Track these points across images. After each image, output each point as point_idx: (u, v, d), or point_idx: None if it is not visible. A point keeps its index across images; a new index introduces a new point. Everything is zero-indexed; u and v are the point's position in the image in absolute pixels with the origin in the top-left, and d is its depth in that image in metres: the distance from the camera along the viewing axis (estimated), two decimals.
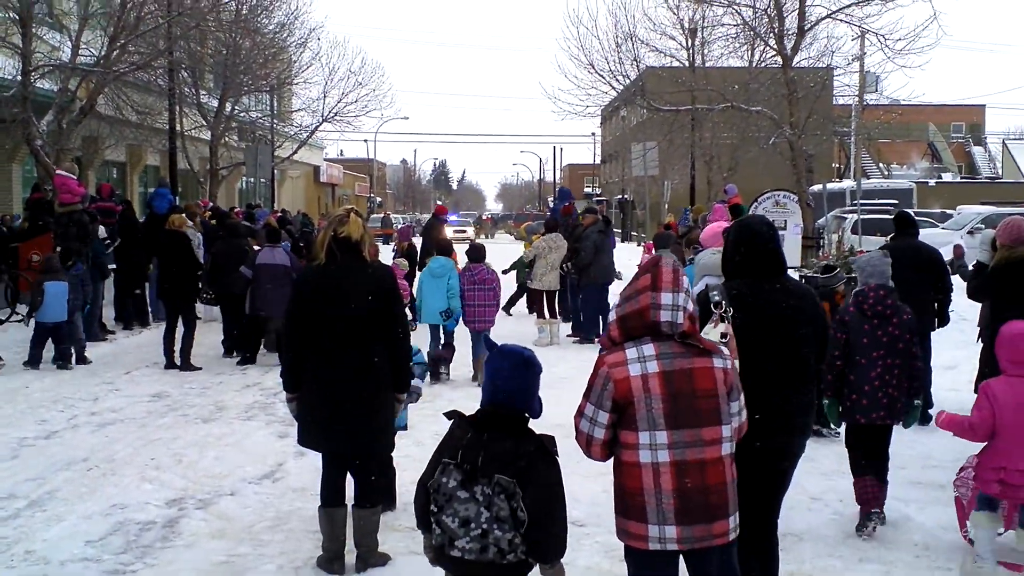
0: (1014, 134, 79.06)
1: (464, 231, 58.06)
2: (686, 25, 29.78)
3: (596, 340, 14.11)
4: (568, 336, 16.06)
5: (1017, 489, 5.93)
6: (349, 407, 5.84)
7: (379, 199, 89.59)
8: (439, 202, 26.57)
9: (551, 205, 31.65)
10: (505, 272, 16.15)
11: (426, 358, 7.18)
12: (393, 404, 6.14)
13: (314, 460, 6.50)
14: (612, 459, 4.28)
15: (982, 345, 9.15)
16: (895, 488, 7.18)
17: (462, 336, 12.74)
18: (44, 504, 7.38)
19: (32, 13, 18.14)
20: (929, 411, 8.98)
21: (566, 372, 11.80)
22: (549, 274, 15.88)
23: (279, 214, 24.79)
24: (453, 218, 58.12)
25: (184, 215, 14.78)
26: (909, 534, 6.80)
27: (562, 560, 4.16)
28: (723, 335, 4.63)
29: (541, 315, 16.04)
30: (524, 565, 4.10)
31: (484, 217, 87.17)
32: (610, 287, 16.18)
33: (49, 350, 13.01)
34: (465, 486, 4.02)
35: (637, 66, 27.53)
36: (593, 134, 74.89)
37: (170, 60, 22.62)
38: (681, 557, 4.24)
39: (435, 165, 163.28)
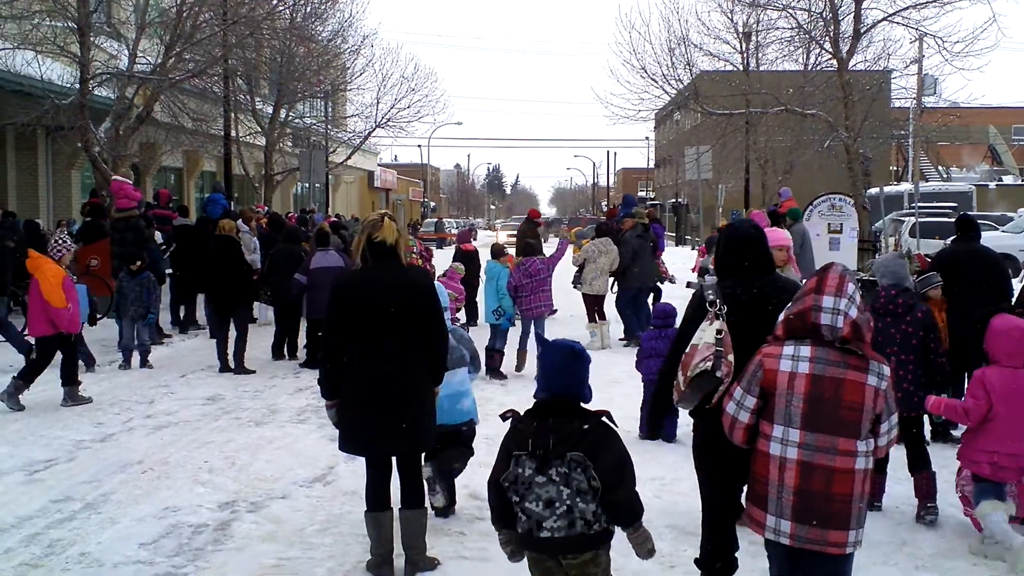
0: None
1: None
2: (740, 29, 29.60)
3: (634, 340, 14.14)
4: (620, 340, 15.97)
5: (1007, 471, 6.39)
6: (390, 409, 5.83)
7: (433, 204, 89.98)
8: (532, 208, 27.11)
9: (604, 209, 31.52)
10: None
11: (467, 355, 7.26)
12: (433, 403, 6.13)
13: (364, 464, 6.50)
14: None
15: None
16: (953, 495, 7.07)
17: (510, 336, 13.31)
18: (99, 506, 7.46)
19: (90, 22, 18.44)
20: None
21: (617, 375, 11.73)
22: (599, 279, 15.79)
23: (333, 219, 24.97)
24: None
25: (238, 220, 14.91)
26: (967, 540, 6.65)
27: (639, 526, 4.39)
28: (719, 332, 4.83)
29: (592, 319, 15.97)
30: (607, 534, 4.35)
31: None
32: (651, 291, 16.46)
33: (105, 353, 13.15)
34: (541, 471, 4.26)
35: (690, 70, 27.40)
36: (647, 138, 74.71)
37: (225, 67, 22.90)
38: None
39: (489, 170, 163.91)
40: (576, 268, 16.39)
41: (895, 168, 48.66)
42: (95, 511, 7.35)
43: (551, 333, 13.02)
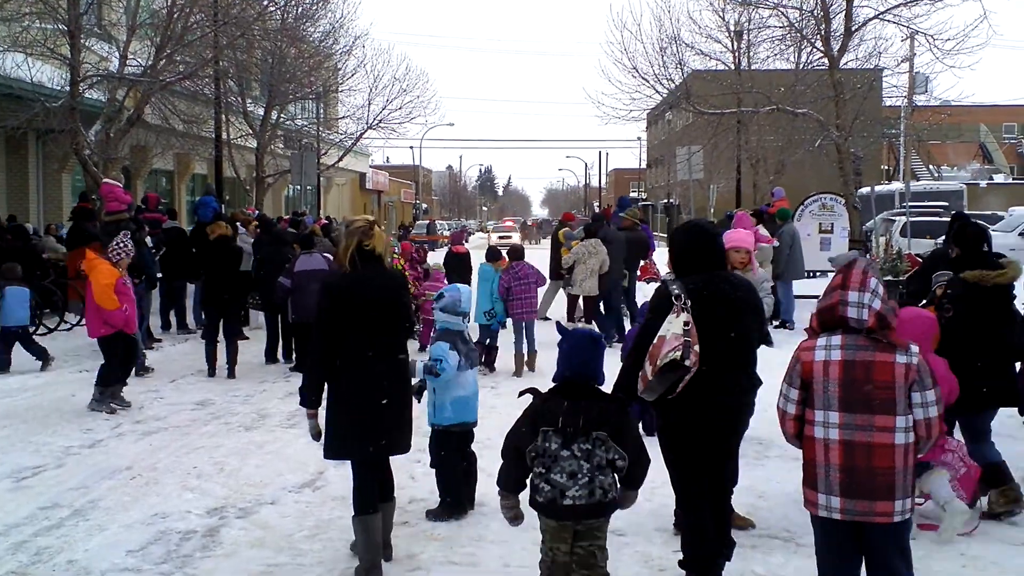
0: None
1: (509, 236, 59.65)
2: (731, 28, 29.61)
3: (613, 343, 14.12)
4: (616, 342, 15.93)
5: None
6: (390, 408, 5.96)
7: (425, 206, 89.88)
8: (568, 212, 27.37)
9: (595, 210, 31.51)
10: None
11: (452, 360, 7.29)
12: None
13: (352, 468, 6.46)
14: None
15: None
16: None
17: (504, 340, 13.46)
18: (87, 513, 7.42)
19: (81, 24, 18.33)
20: None
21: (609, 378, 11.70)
22: (589, 280, 15.75)
23: (324, 221, 24.90)
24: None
25: (229, 223, 14.84)
26: (960, 544, 6.62)
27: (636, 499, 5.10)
28: (685, 323, 5.28)
29: (571, 319, 16.02)
30: (615, 503, 4.93)
31: (529, 222, 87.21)
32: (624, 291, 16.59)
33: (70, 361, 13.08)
34: (566, 446, 4.79)
35: (682, 70, 27.31)
36: (639, 139, 74.75)
37: (216, 69, 22.77)
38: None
39: (481, 171, 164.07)
40: (564, 269, 16.37)
41: (886, 167, 48.70)
42: (83, 518, 7.31)
43: (542, 332, 13.13)
